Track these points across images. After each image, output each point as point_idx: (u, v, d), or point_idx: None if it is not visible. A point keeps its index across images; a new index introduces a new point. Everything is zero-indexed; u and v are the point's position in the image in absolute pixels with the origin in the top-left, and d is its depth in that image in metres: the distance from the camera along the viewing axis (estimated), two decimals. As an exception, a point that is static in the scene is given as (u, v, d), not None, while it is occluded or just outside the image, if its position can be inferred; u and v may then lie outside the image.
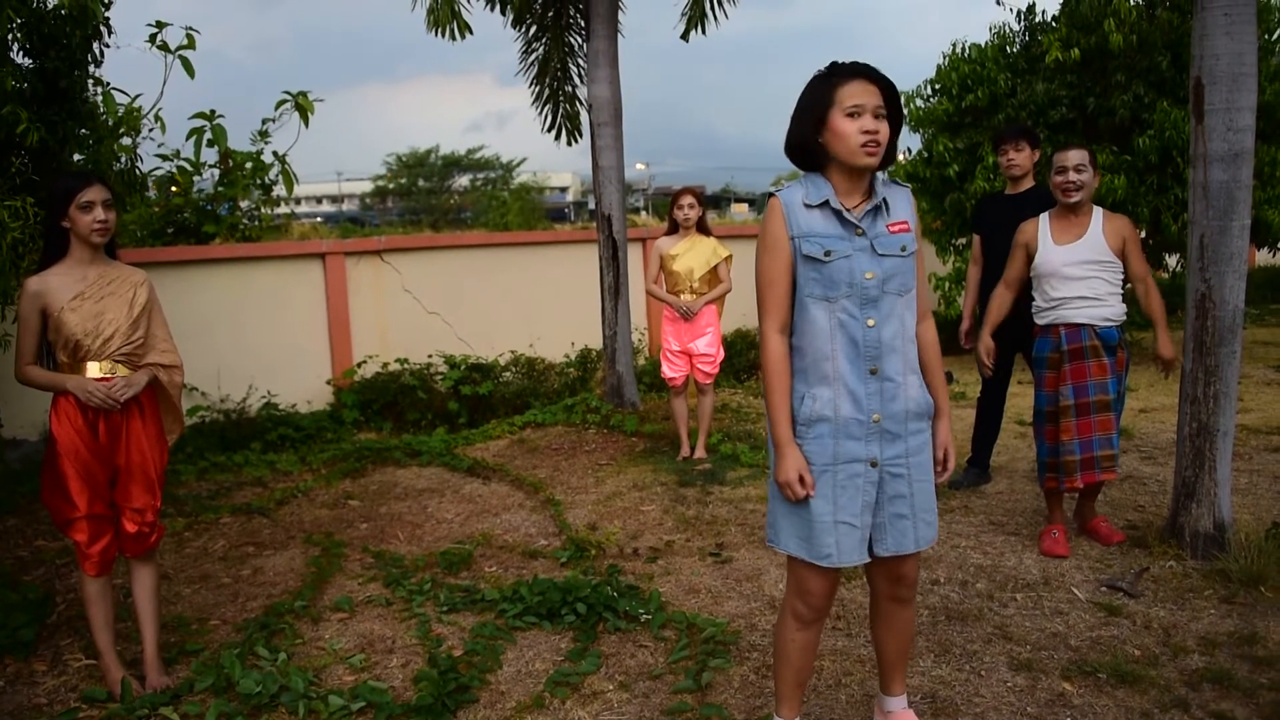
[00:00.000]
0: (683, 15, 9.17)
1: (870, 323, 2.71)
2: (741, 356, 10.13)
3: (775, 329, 2.79)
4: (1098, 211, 4.69)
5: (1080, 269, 4.61)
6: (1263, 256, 13.27)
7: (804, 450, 2.74)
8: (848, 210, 2.71)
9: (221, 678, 3.65)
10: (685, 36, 9.26)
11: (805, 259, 2.72)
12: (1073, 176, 4.58)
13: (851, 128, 2.64)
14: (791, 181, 2.83)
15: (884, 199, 2.75)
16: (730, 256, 6.65)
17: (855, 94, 2.64)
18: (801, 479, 2.72)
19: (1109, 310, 4.61)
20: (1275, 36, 9.28)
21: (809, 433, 2.75)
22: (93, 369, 3.53)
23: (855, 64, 2.71)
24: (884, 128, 2.66)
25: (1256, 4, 4.37)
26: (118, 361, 3.57)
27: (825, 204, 2.72)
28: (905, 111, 10.02)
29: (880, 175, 2.78)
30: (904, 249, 2.73)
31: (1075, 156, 4.60)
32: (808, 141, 2.73)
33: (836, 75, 2.69)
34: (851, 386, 2.72)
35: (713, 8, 9.15)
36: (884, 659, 3.11)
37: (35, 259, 4.30)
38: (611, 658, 3.84)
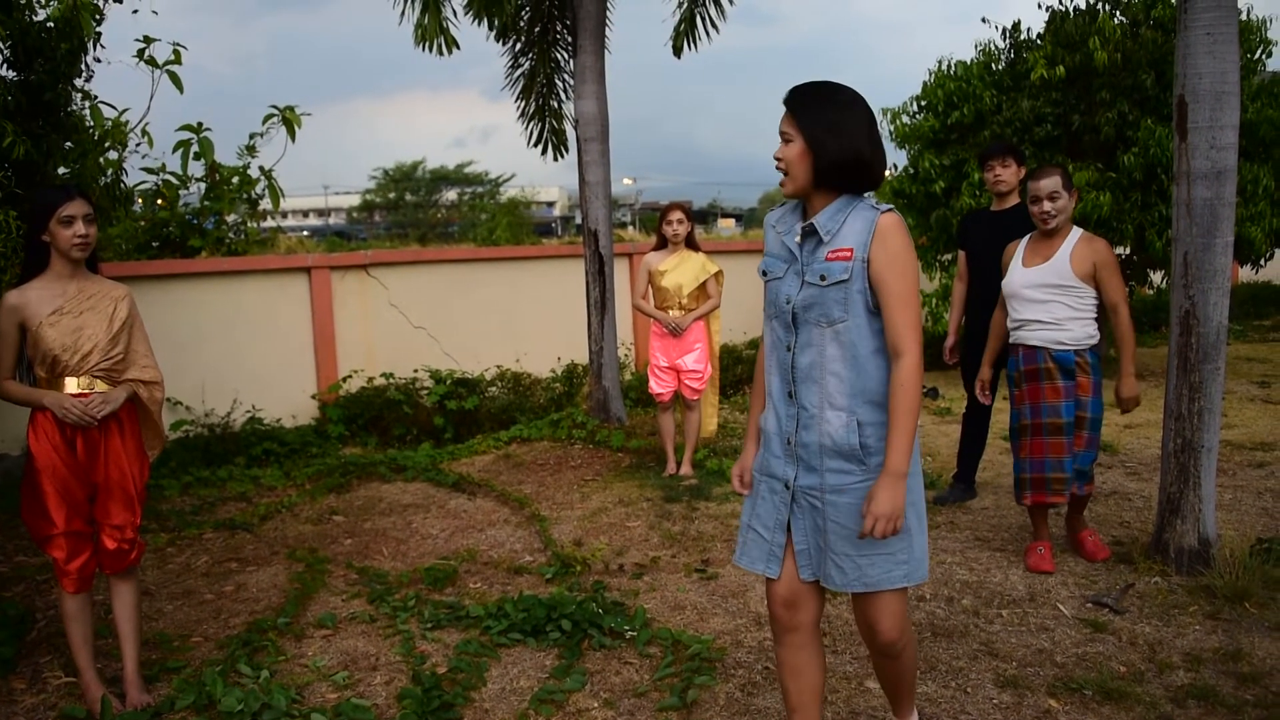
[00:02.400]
0: (674, 29, 9.23)
1: (789, 347, 2.72)
2: (728, 372, 10.13)
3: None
4: (1074, 234, 4.61)
5: (1040, 292, 4.60)
6: (1245, 273, 13.35)
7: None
8: (789, 235, 2.74)
9: (203, 695, 3.61)
10: (676, 51, 9.31)
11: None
12: (1046, 206, 4.54)
13: None
14: (787, 202, 2.85)
15: (819, 225, 2.65)
16: (720, 272, 6.65)
17: None
18: (743, 478, 2.93)
19: (1064, 334, 4.57)
20: (1257, 56, 9.36)
21: (762, 438, 2.89)
22: (71, 385, 3.50)
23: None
24: (787, 151, 2.65)
25: (1238, 24, 4.40)
26: (96, 377, 3.54)
27: (774, 226, 2.82)
28: (882, 125, 10.06)
29: (847, 199, 2.66)
30: (823, 278, 2.62)
31: (1047, 185, 4.53)
32: None
33: None
34: (777, 404, 2.78)
35: (703, 21, 9.21)
36: (884, 692, 3.09)
37: (16, 273, 4.28)
38: (596, 675, 3.82)
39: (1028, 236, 4.80)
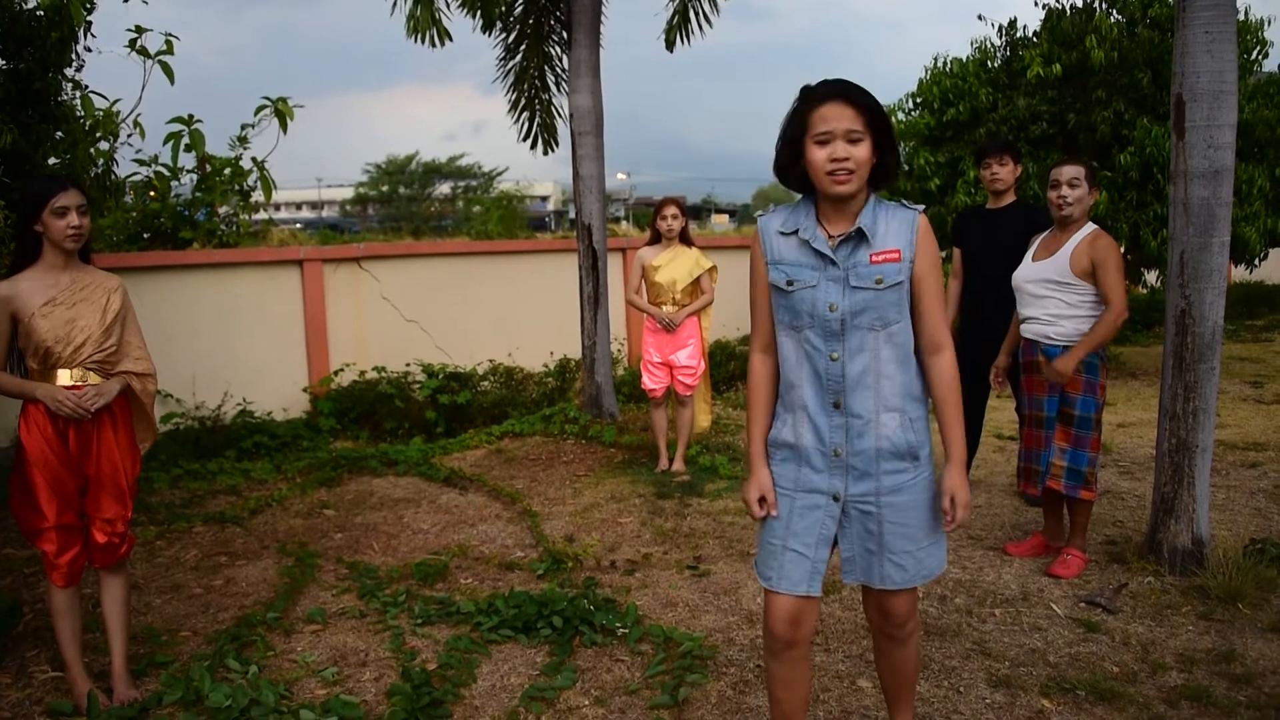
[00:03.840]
0: (667, 23, 9.20)
1: (834, 356, 2.62)
2: (721, 368, 10.11)
3: (758, 349, 2.82)
4: (1084, 231, 4.54)
5: (1038, 287, 4.61)
6: (1238, 273, 13.39)
7: (773, 471, 2.76)
8: (818, 240, 2.62)
9: (191, 691, 3.59)
10: (669, 45, 9.28)
11: (773, 287, 2.70)
12: (1064, 192, 4.52)
13: (820, 156, 2.53)
14: (781, 205, 2.77)
15: (867, 227, 2.59)
16: (714, 268, 6.63)
17: (825, 119, 2.52)
18: (763, 500, 2.75)
19: (1053, 330, 4.57)
20: (1253, 56, 9.37)
21: (776, 454, 2.76)
22: (63, 377, 3.47)
23: (829, 84, 2.57)
24: (858, 151, 2.51)
25: (1236, 23, 4.39)
26: (89, 369, 3.51)
27: (795, 232, 2.66)
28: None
29: (875, 199, 2.64)
30: (879, 281, 2.57)
31: (1069, 172, 4.53)
32: (792, 167, 2.65)
33: (810, 99, 2.57)
34: (815, 418, 2.66)
35: (696, 16, 9.19)
36: (884, 691, 3.06)
37: (6, 263, 4.24)
38: (588, 672, 3.80)
39: (1048, 230, 4.78)
